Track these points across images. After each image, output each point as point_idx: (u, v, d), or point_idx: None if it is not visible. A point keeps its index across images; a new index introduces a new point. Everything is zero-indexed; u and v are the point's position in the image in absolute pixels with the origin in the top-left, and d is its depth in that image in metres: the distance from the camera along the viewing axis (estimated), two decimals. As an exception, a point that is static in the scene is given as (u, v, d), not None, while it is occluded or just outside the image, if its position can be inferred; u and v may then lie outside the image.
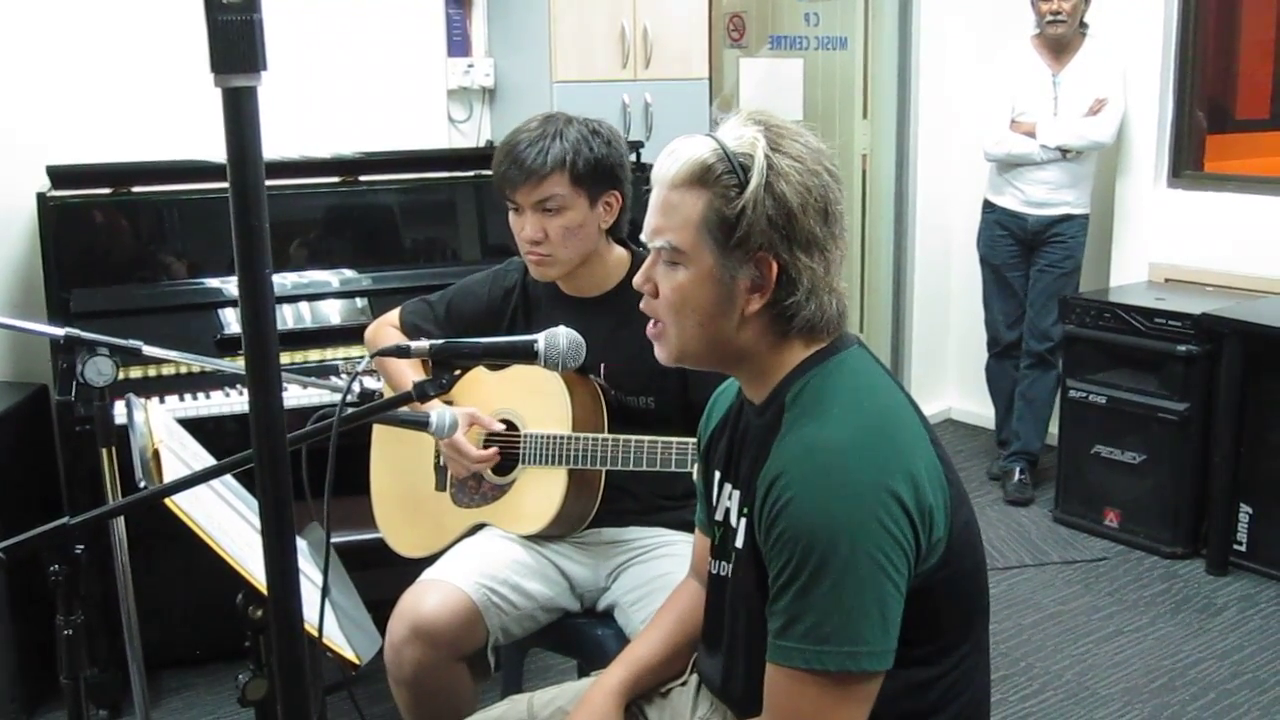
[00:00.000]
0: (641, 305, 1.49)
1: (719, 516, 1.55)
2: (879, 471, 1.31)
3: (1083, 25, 4.24)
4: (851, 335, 1.47)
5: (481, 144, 4.17)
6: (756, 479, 1.39)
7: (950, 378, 5.43)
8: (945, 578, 1.36)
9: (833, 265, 1.40)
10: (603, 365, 2.21)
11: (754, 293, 1.39)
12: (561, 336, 1.63)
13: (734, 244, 1.37)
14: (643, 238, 1.47)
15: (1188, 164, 4.39)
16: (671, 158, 1.42)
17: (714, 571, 1.56)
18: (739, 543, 1.47)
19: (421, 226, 3.57)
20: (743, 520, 1.46)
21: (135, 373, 2.97)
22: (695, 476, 1.72)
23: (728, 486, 1.54)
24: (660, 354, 1.49)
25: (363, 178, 3.48)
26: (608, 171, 2.15)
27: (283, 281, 3.26)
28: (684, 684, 1.73)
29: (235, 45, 0.94)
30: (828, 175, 1.39)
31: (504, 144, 2.17)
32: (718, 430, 1.61)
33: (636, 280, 1.48)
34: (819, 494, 1.30)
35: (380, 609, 1.93)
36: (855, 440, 1.34)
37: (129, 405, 1.94)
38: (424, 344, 1.61)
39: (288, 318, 3.24)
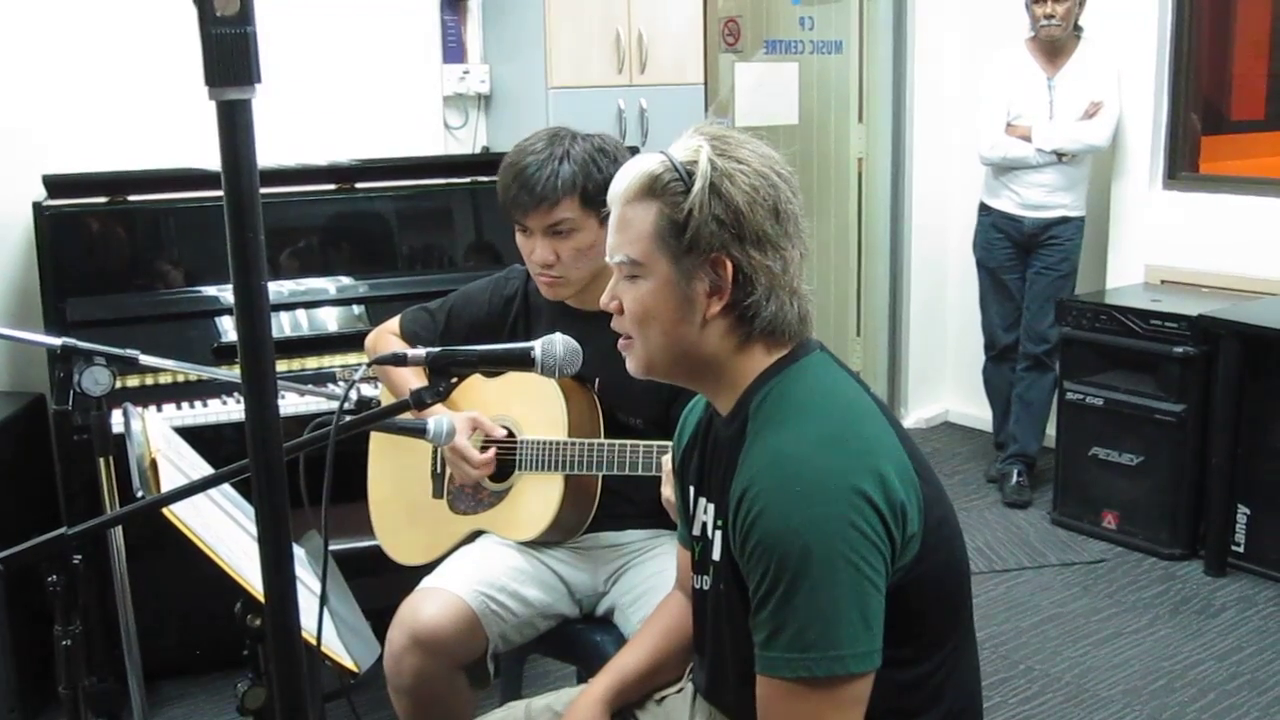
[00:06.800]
0: (612, 324, 1.50)
1: (696, 531, 1.56)
2: (845, 473, 1.31)
3: (1077, 28, 4.24)
4: (814, 341, 1.48)
5: (477, 150, 4.18)
6: (728, 491, 1.40)
7: (947, 381, 5.43)
8: (923, 574, 1.37)
9: (790, 265, 1.41)
10: (598, 379, 2.20)
11: (713, 296, 1.40)
12: (558, 343, 1.63)
13: (686, 248, 1.39)
14: (606, 258, 1.49)
15: (1183, 166, 4.40)
16: (623, 175, 1.45)
17: (696, 586, 1.57)
18: (716, 555, 1.47)
19: (418, 233, 3.57)
20: (718, 533, 1.46)
21: (132, 381, 2.97)
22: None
23: (702, 500, 1.54)
24: (630, 366, 1.50)
25: (359, 185, 3.48)
26: None
27: (280, 289, 3.26)
28: (680, 691, 1.73)
29: (229, 58, 0.93)
30: (777, 178, 1.41)
31: (510, 165, 2.14)
32: (689, 445, 1.62)
33: (603, 300, 1.50)
34: (788, 502, 1.31)
35: (379, 617, 1.94)
36: (818, 444, 1.34)
37: (126, 414, 1.94)
38: (420, 352, 1.62)
39: (285, 325, 3.24)
